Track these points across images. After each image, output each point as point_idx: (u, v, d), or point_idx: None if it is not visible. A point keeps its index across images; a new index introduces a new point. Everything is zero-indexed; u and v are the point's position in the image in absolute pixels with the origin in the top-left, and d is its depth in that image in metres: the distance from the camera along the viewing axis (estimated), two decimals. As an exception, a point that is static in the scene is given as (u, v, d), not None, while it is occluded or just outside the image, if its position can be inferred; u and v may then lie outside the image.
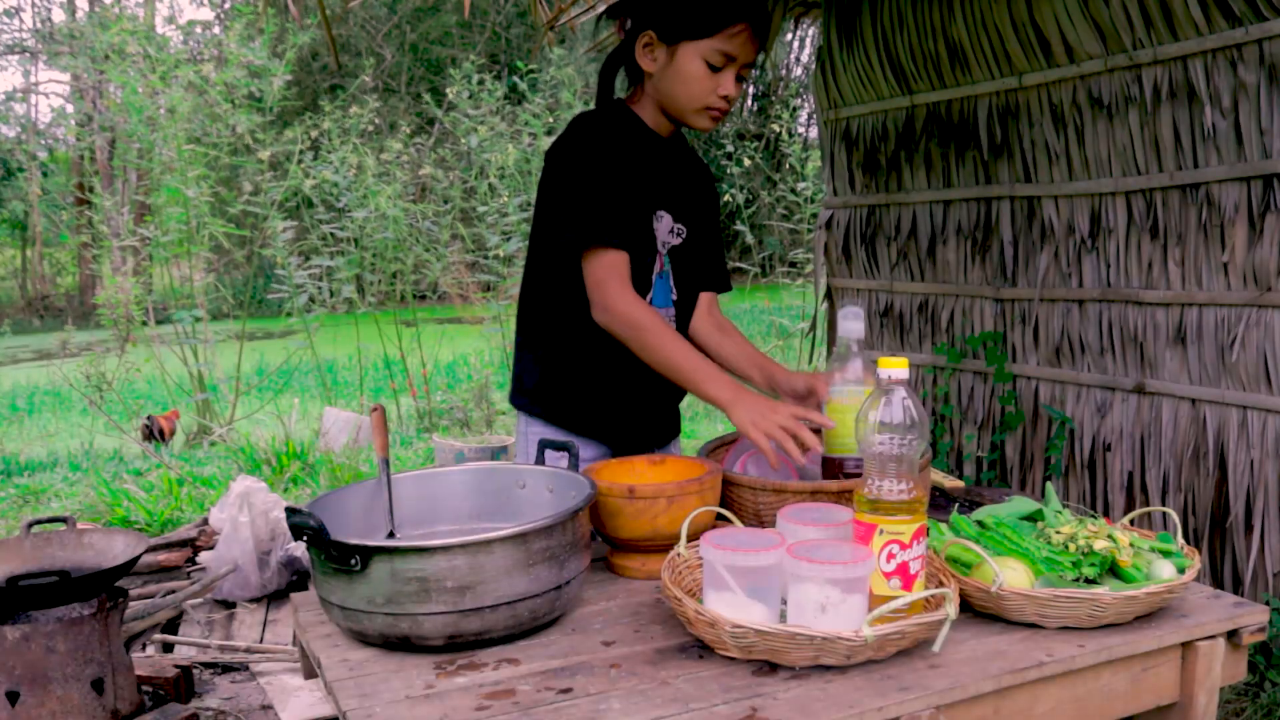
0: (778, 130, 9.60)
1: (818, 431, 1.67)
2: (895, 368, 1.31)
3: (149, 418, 6.34)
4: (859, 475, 1.61)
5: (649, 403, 1.97)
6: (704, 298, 2.04)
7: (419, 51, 16.17)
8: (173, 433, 6.31)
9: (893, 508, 1.28)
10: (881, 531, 1.29)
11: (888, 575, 1.30)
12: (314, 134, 7.32)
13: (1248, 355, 2.71)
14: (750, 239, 8.80)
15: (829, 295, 4.33)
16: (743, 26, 1.73)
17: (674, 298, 1.94)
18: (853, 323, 1.70)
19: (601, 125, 1.83)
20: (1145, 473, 3.02)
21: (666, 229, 1.91)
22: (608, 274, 1.73)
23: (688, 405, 6.97)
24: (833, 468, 1.69)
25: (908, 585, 1.30)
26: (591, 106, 1.92)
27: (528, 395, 1.96)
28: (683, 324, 1.97)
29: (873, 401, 1.32)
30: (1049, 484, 1.73)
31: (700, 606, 1.27)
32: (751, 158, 9.04)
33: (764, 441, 1.59)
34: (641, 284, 1.88)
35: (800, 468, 1.82)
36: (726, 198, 8.18)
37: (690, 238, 1.95)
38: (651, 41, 1.78)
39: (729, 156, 8.95)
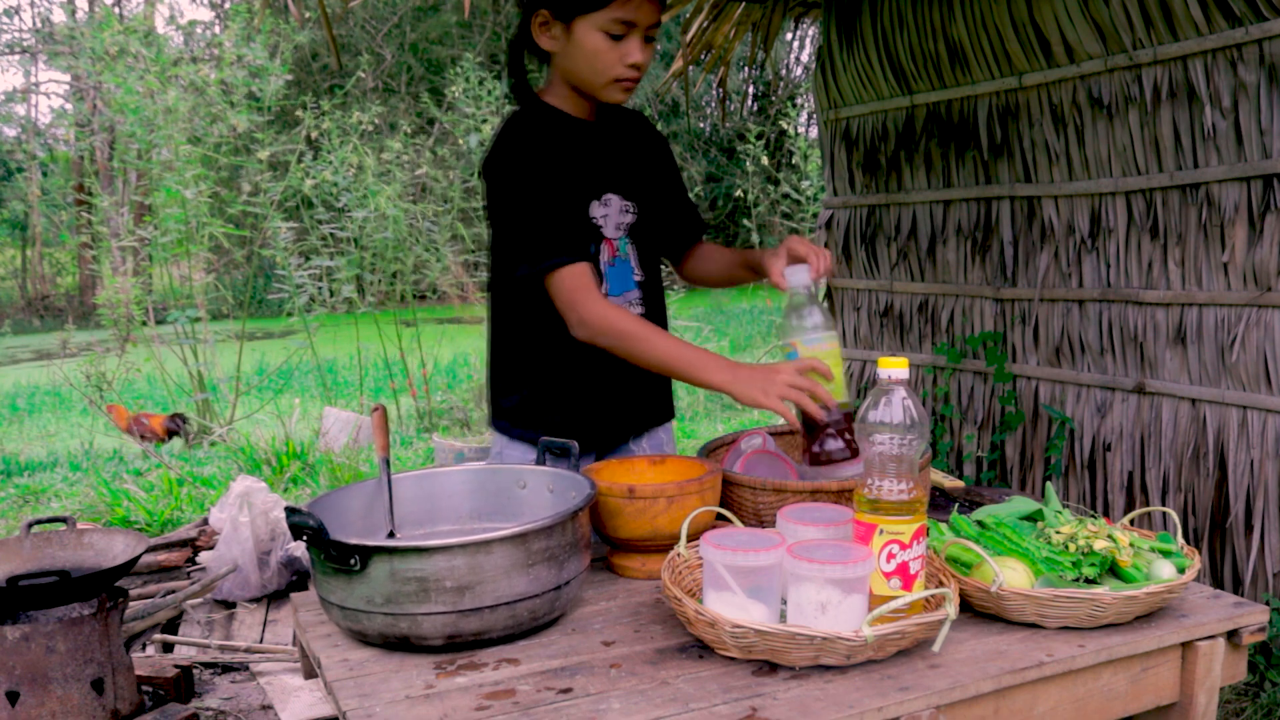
0: (782, 128, 9.60)
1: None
2: (895, 368, 1.31)
3: (174, 415, 6.35)
4: (846, 429, 1.60)
5: (632, 399, 1.91)
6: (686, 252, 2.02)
7: (419, 51, 16.17)
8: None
9: (893, 508, 1.28)
10: (881, 531, 1.29)
11: (888, 575, 1.30)
12: (314, 134, 7.32)
13: (1248, 355, 2.71)
14: (755, 238, 8.81)
15: (829, 295, 4.33)
16: None
17: (638, 278, 1.87)
18: (800, 273, 1.68)
19: (524, 133, 1.77)
20: (1145, 473, 3.02)
21: (618, 211, 1.84)
22: (573, 290, 1.69)
23: (687, 405, 6.97)
24: (816, 426, 1.62)
25: (908, 585, 1.30)
26: None
27: (508, 417, 1.89)
28: (653, 301, 1.90)
29: (872, 401, 1.32)
30: (1049, 484, 1.72)
31: (700, 606, 1.27)
32: (754, 157, 9.05)
33: (780, 406, 1.54)
34: None
35: (800, 467, 1.82)
36: (738, 194, 8.23)
37: (645, 210, 1.88)
38: (547, 20, 1.71)
39: (729, 155, 8.97)
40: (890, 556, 1.29)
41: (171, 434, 6.21)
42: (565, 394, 1.85)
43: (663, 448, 2.02)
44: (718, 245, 2.06)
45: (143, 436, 6.15)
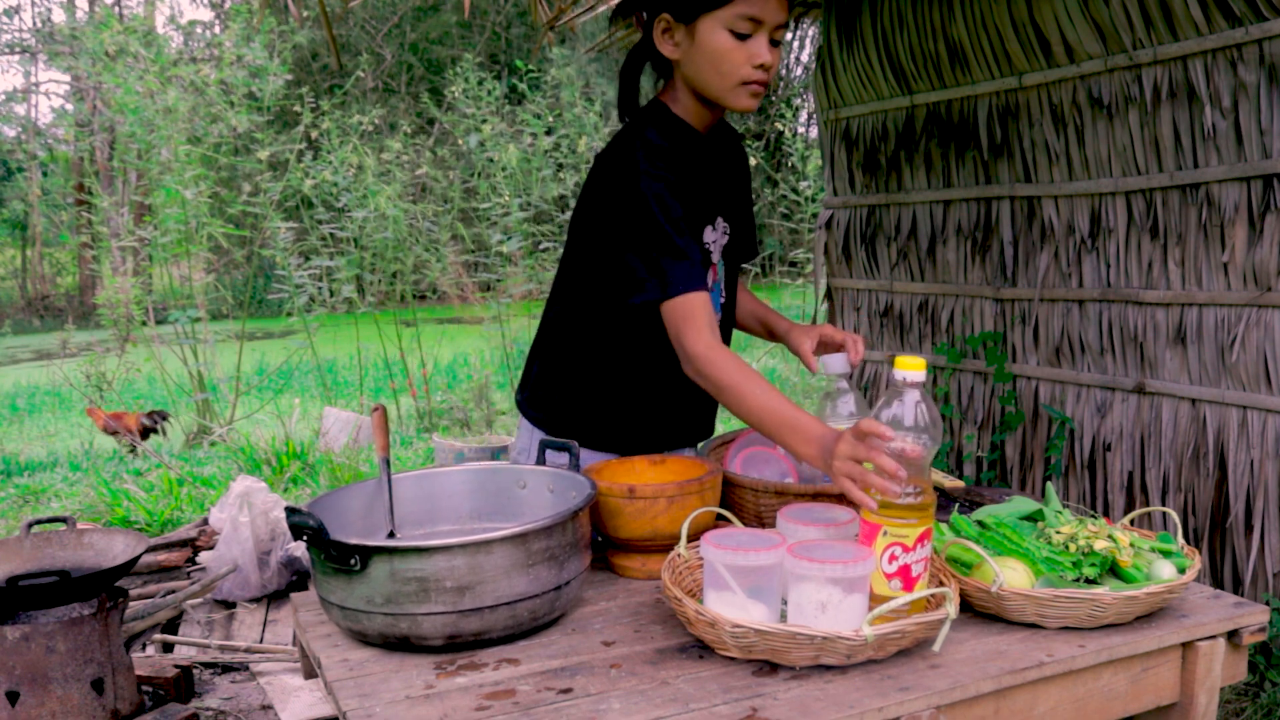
0: (780, 129, 9.60)
1: None
2: (912, 370, 1.28)
3: (150, 413, 6.34)
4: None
5: (678, 419, 1.89)
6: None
7: (419, 51, 16.18)
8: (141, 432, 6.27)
9: (898, 510, 1.27)
10: (885, 533, 1.28)
11: (889, 576, 1.29)
12: (314, 134, 7.33)
13: (1248, 355, 2.71)
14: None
15: (829, 295, 4.33)
16: None
17: (722, 300, 1.84)
18: (838, 362, 1.66)
19: (661, 147, 1.66)
20: (1145, 473, 3.02)
21: (722, 232, 1.79)
22: (686, 319, 1.58)
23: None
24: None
25: (908, 587, 1.29)
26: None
27: (543, 409, 1.87)
28: (729, 322, 1.89)
29: (886, 400, 1.31)
30: (1049, 484, 1.72)
31: (700, 606, 1.27)
32: (752, 157, 9.05)
33: (845, 486, 1.36)
34: None
35: (800, 467, 1.82)
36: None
37: (734, 231, 1.84)
38: (669, 25, 1.64)
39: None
40: (893, 558, 1.28)
41: (149, 431, 6.19)
42: (607, 410, 1.83)
43: None
44: (745, 288, 2.00)
45: (116, 435, 6.15)
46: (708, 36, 1.61)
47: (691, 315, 1.59)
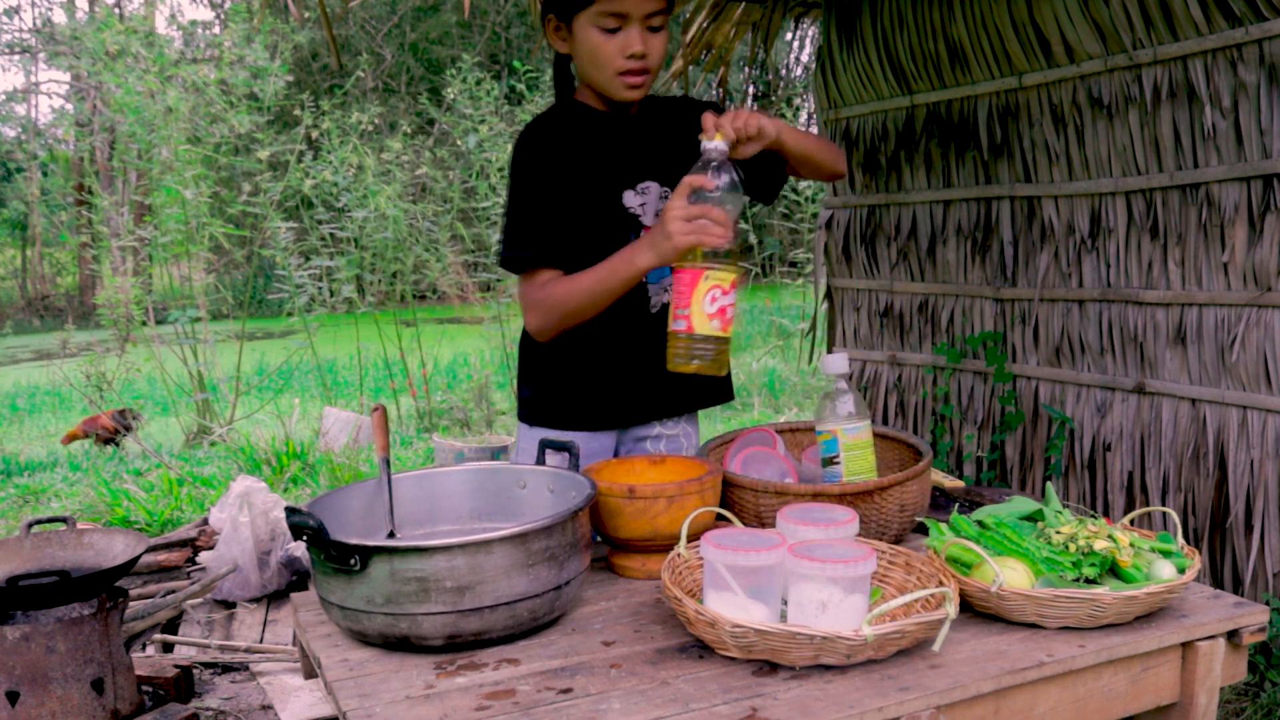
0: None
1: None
2: (717, 140, 1.54)
3: (120, 411, 6.34)
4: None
5: (659, 386, 1.88)
6: None
7: (419, 51, 16.18)
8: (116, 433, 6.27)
9: (722, 259, 1.51)
10: (707, 278, 1.50)
11: (710, 316, 1.50)
12: (314, 134, 7.32)
13: (1248, 355, 2.71)
14: (752, 238, 8.80)
15: (829, 295, 4.33)
16: None
17: (673, 265, 1.87)
18: (838, 362, 1.68)
19: (535, 129, 1.80)
20: (1145, 473, 3.02)
21: (657, 199, 1.84)
22: (526, 291, 1.76)
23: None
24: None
25: (725, 327, 1.52)
26: None
27: (528, 406, 1.93)
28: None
29: (698, 167, 1.54)
30: (1049, 484, 1.72)
31: (700, 606, 1.27)
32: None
33: (695, 237, 1.54)
34: None
35: (800, 467, 1.82)
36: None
37: None
38: (559, 25, 1.75)
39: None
40: (714, 300, 1.48)
41: (119, 430, 6.19)
42: (571, 387, 1.88)
43: (679, 440, 1.99)
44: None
45: (96, 435, 6.15)
46: (582, 34, 1.72)
47: (534, 290, 1.75)
